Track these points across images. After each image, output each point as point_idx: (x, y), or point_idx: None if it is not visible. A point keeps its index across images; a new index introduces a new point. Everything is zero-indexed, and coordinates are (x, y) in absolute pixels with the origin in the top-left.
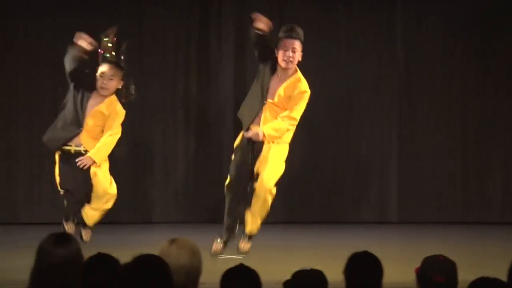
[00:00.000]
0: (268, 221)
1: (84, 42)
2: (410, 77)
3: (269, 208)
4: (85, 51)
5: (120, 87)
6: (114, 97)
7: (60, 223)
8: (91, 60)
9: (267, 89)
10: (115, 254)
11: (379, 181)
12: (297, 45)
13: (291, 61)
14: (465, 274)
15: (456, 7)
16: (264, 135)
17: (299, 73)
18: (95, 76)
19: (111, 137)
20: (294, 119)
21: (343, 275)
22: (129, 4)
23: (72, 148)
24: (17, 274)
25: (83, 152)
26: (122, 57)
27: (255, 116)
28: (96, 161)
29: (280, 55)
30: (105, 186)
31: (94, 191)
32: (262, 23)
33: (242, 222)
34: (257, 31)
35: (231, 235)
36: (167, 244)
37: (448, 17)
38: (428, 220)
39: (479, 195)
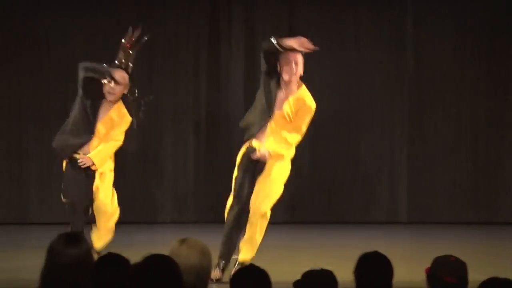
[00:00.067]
0: (278, 221)
1: (117, 75)
2: (419, 77)
3: (264, 232)
4: (113, 79)
5: (125, 92)
6: (121, 104)
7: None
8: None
9: (274, 101)
10: (125, 254)
11: (388, 181)
12: (299, 58)
13: (294, 74)
14: (476, 274)
15: (466, 7)
16: (270, 154)
17: (304, 88)
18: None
19: (113, 142)
20: (300, 134)
21: (353, 275)
22: (140, 7)
23: (80, 156)
24: (27, 273)
25: None
26: (131, 65)
27: (262, 128)
28: (95, 162)
29: (283, 68)
30: (106, 201)
31: (95, 206)
32: (301, 46)
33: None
34: (283, 47)
35: (227, 262)
36: (177, 244)
37: (458, 16)
38: (438, 220)
39: (489, 195)
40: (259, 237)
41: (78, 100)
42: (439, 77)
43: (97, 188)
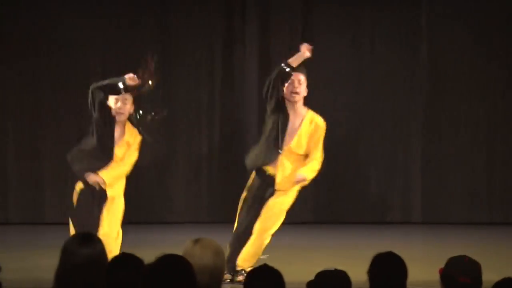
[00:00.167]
0: (293, 222)
1: (130, 78)
2: (434, 77)
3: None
4: (127, 87)
5: (132, 111)
6: (129, 123)
7: None
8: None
9: (283, 137)
10: (139, 254)
11: (403, 182)
12: (302, 78)
13: (297, 93)
14: (490, 275)
15: (480, 6)
16: (306, 179)
17: (310, 110)
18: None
19: (127, 161)
20: (321, 157)
21: (367, 275)
22: (155, 10)
23: (90, 177)
24: (42, 273)
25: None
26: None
27: (270, 164)
28: (106, 180)
29: (286, 89)
30: (111, 234)
31: (100, 227)
32: (309, 51)
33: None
34: (293, 67)
35: (233, 268)
36: (190, 244)
37: (472, 16)
38: (452, 220)
39: (504, 196)
40: (258, 255)
41: (93, 124)
42: (454, 77)
43: (104, 217)
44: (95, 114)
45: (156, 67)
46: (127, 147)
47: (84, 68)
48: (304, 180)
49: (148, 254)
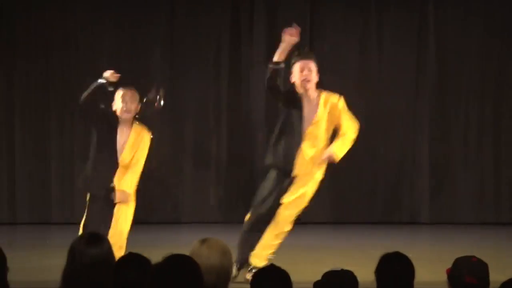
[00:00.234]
0: (298, 222)
1: (110, 75)
2: (441, 77)
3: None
4: (111, 83)
5: (138, 110)
6: (136, 124)
7: None
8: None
9: (300, 130)
10: (146, 254)
11: (411, 182)
12: (312, 65)
13: (308, 80)
14: (497, 275)
15: (489, 8)
16: (336, 156)
17: (323, 92)
18: (109, 110)
19: (138, 167)
20: (353, 126)
21: (375, 275)
22: (162, 10)
23: (117, 192)
24: (49, 273)
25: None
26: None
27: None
28: (130, 192)
29: (296, 77)
30: (122, 235)
31: (110, 233)
32: (292, 35)
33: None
34: (279, 61)
35: (244, 264)
36: (198, 244)
37: (480, 16)
38: (460, 221)
39: None
40: (275, 247)
41: (94, 141)
42: (461, 77)
43: (116, 220)
44: (94, 129)
45: (161, 100)
46: (132, 149)
47: (92, 67)
48: (332, 157)
49: (155, 254)
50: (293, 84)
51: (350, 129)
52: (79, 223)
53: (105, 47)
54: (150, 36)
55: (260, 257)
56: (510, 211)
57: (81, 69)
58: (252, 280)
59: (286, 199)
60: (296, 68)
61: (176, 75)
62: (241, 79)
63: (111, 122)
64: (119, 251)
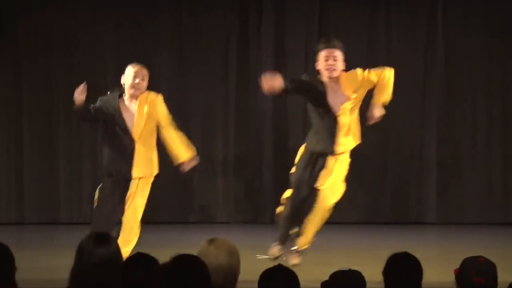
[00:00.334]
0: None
1: (78, 95)
2: (449, 77)
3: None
4: (83, 99)
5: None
6: (143, 95)
7: None
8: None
9: (334, 118)
10: (154, 254)
11: (418, 182)
12: (338, 54)
13: (334, 69)
14: (505, 275)
15: (498, 8)
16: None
17: (343, 73)
18: (100, 106)
19: (173, 127)
20: (382, 73)
21: (382, 275)
22: (170, 9)
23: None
24: (57, 273)
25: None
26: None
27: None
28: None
29: (321, 66)
30: (135, 216)
31: (125, 215)
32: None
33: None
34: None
35: (285, 242)
36: (205, 244)
37: (490, 17)
38: (467, 221)
39: None
40: (318, 228)
41: (104, 132)
42: (469, 77)
43: (130, 198)
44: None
45: None
46: (144, 120)
47: (100, 67)
48: (376, 114)
49: (163, 254)
50: (318, 71)
51: (379, 75)
52: (87, 223)
53: (112, 47)
54: (156, 37)
55: (306, 240)
56: None
57: (88, 68)
58: (259, 280)
59: (322, 184)
60: (321, 56)
61: (183, 75)
62: (249, 79)
63: (109, 110)
64: (130, 230)
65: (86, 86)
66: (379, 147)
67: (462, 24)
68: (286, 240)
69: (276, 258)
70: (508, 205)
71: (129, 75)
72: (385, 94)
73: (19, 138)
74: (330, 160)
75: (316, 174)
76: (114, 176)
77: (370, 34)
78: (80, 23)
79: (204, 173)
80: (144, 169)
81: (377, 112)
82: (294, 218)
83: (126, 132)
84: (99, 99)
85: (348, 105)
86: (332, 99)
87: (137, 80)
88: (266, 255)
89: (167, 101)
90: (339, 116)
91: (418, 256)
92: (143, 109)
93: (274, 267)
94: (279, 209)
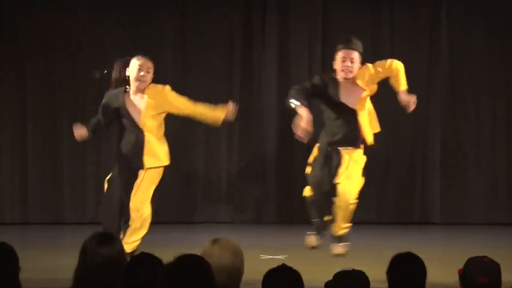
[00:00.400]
0: (310, 222)
1: (78, 135)
2: (453, 77)
3: (353, 212)
4: (84, 134)
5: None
6: (150, 87)
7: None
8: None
9: (352, 114)
10: (158, 254)
11: (422, 182)
12: (355, 56)
13: (350, 71)
14: (509, 276)
15: (502, 8)
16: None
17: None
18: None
19: (191, 103)
20: (390, 62)
21: (386, 275)
22: (173, 8)
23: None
24: (61, 273)
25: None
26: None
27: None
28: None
29: (338, 66)
30: (143, 204)
31: (132, 201)
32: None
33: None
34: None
35: (322, 231)
36: (209, 244)
37: (493, 17)
38: (472, 221)
39: None
40: (348, 217)
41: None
42: (473, 77)
43: (137, 186)
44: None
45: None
46: (150, 109)
47: (101, 67)
48: (413, 99)
49: (167, 254)
50: (334, 70)
51: (383, 66)
52: (91, 223)
53: (115, 47)
54: (159, 36)
55: (340, 227)
56: None
57: (91, 69)
58: (263, 280)
59: (339, 178)
60: (339, 56)
61: (188, 75)
62: (253, 79)
63: (114, 105)
64: (143, 227)
65: (80, 124)
66: (383, 147)
67: (466, 24)
68: (322, 228)
69: (314, 248)
70: None
71: (134, 68)
72: (400, 81)
73: (23, 138)
74: (345, 157)
75: (334, 172)
76: (124, 166)
77: (373, 34)
78: (80, 23)
79: (208, 172)
80: (153, 159)
81: (405, 97)
82: (322, 209)
83: (133, 124)
84: (105, 94)
85: (363, 98)
86: (345, 97)
87: (142, 73)
88: (270, 255)
89: None
90: (356, 111)
91: (421, 256)
92: (151, 100)
93: (278, 267)
94: (307, 192)
